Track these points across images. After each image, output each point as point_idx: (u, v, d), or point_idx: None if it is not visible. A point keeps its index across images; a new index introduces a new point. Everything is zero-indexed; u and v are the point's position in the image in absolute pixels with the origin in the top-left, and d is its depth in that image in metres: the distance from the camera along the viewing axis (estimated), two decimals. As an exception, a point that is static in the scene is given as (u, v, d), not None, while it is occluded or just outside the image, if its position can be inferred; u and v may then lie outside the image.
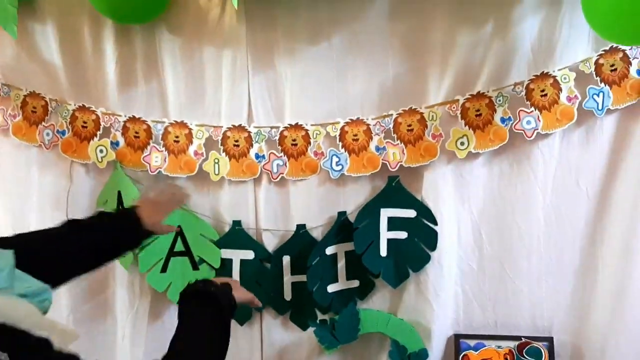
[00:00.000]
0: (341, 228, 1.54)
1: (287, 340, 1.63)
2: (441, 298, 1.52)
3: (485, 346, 1.52)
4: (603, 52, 1.39)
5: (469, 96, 1.43)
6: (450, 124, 1.45)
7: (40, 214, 1.65)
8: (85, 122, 1.57)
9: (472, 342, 1.53)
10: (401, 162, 1.47)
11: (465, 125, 1.43)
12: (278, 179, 1.54)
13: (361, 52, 1.48)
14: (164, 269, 1.57)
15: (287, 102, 1.52)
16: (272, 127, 1.53)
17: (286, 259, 1.57)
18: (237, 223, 1.57)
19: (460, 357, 1.52)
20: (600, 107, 1.40)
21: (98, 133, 1.57)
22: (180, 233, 1.56)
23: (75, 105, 1.58)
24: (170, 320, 1.60)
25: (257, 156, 1.54)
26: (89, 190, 1.62)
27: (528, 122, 1.42)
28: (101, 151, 1.57)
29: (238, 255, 1.57)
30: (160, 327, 1.63)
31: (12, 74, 1.62)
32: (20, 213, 1.67)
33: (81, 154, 1.58)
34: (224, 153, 1.54)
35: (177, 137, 1.54)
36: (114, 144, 1.57)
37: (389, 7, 1.46)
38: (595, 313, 1.48)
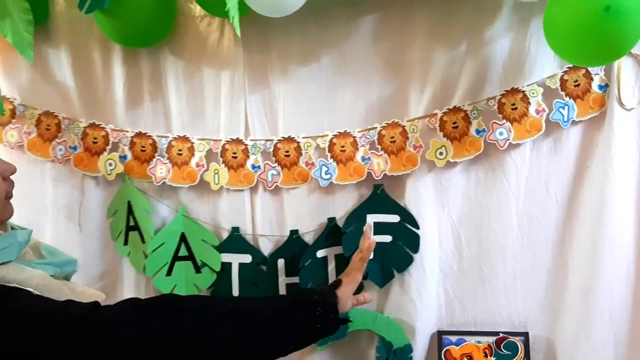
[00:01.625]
0: (331, 233, 1.66)
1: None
2: (424, 297, 1.62)
3: (466, 341, 1.61)
4: (567, 69, 1.52)
5: (447, 110, 1.55)
6: (429, 135, 1.56)
7: (54, 224, 1.77)
8: (95, 138, 1.70)
9: (453, 338, 1.62)
10: (385, 171, 1.59)
11: (443, 137, 1.55)
12: (273, 188, 1.66)
13: (348, 71, 1.61)
14: (169, 273, 1.68)
15: (281, 118, 1.65)
16: (267, 140, 1.65)
17: (281, 262, 1.68)
18: (235, 229, 1.69)
19: (443, 351, 1.61)
20: (565, 119, 1.53)
21: (107, 148, 1.69)
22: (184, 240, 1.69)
23: (86, 122, 1.71)
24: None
25: (253, 167, 1.66)
26: (100, 201, 1.74)
27: (500, 133, 1.54)
28: (110, 164, 1.70)
29: (237, 259, 1.68)
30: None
31: (28, 95, 1.75)
32: (35, 224, 1.75)
33: (92, 168, 1.70)
34: (223, 164, 1.66)
35: (180, 150, 1.67)
36: (122, 158, 1.70)
37: (373, 29, 1.59)
38: (567, 309, 1.58)
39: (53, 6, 1.67)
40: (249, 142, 1.66)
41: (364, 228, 1.57)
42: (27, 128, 1.76)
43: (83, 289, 1.09)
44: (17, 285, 0.94)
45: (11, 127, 1.76)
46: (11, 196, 1.06)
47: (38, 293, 0.95)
